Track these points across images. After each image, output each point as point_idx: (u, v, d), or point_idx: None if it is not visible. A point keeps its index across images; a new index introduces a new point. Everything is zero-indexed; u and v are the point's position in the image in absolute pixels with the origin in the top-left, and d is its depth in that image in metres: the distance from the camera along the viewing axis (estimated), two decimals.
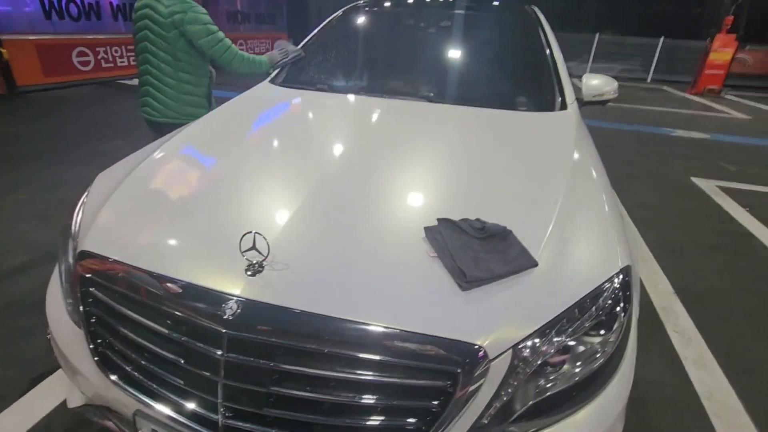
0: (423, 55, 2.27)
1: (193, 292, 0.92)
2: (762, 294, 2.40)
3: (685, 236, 3.06)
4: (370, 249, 1.01)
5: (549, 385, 0.90)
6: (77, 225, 1.21)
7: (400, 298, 0.89)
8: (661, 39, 12.63)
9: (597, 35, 13.05)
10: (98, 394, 1.09)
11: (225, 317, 0.86)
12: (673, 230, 3.13)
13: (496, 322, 0.86)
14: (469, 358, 0.81)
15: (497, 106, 1.84)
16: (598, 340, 0.95)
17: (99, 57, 7.00)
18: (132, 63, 7.75)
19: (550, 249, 1.01)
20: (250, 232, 0.93)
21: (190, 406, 0.93)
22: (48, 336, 1.28)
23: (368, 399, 0.85)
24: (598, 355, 0.94)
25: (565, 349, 0.91)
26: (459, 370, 0.81)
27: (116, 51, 7.28)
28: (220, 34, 2.18)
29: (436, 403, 0.83)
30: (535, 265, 0.95)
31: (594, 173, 1.41)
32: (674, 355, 1.90)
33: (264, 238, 0.92)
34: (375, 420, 0.86)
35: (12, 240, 2.57)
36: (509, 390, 0.87)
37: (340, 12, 2.64)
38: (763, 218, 3.38)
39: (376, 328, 0.83)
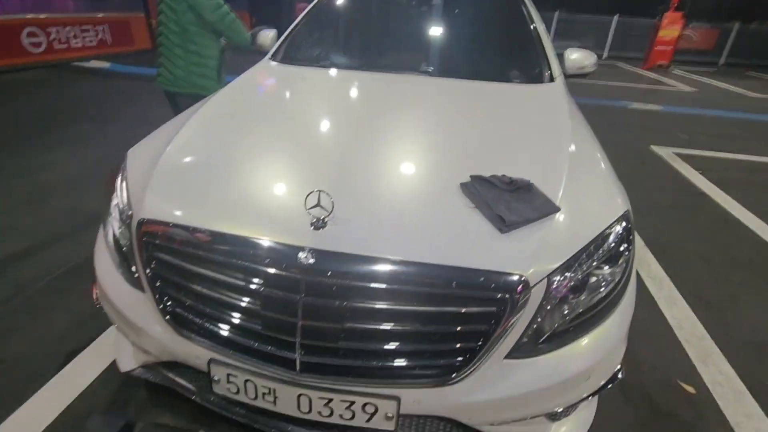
0: (420, 32, 2.38)
1: (266, 247, 1.02)
2: (715, 243, 2.75)
3: (650, 197, 3.38)
4: (416, 201, 1.15)
5: (572, 308, 1.08)
6: (125, 198, 1.27)
7: (452, 241, 1.04)
8: (616, 17, 13.19)
9: (556, 14, 13.45)
10: (167, 351, 1.18)
11: (301, 265, 0.98)
12: (639, 193, 3.44)
13: (533, 257, 1.02)
14: (515, 286, 0.98)
15: (493, 79, 2.00)
16: (608, 271, 1.14)
17: (51, 38, 6.56)
18: (87, 44, 7.33)
19: (566, 198, 1.18)
20: (314, 191, 1.04)
21: (268, 348, 1.05)
22: (98, 306, 1.34)
23: (431, 327, 1.00)
24: (609, 284, 1.13)
25: (584, 279, 1.09)
26: (508, 296, 0.97)
27: (69, 31, 6.83)
28: (227, 8, 2.28)
29: (488, 326, 0.99)
30: (558, 210, 1.12)
31: (588, 135, 1.60)
32: (649, 297, 2.18)
33: (328, 195, 1.03)
34: (436, 345, 1.01)
35: (5, 226, 2.51)
36: (543, 313, 1.04)
37: None
38: (714, 180, 3.78)
39: (437, 266, 0.98)
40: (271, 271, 1.01)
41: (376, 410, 1.04)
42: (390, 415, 1.04)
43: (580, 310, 1.09)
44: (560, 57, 2.28)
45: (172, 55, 2.35)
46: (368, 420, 1.06)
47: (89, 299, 1.94)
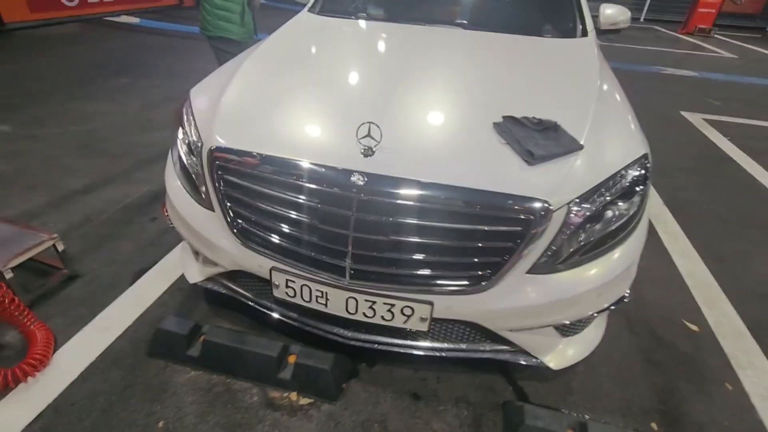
0: None
1: (323, 170, 1.18)
2: (733, 204, 2.81)
3: (674, 160, 3.41)
4: (455, 135, 1.30)
5: (588, 235, 1.23)
6: (194, 131, 1.43)
7: (485, 169, 1.18)
8: None
9: None
10: (234, 261, 1.38)
11: (354, 186, 1.14)
12: (663, 156, 3.48)
13: (556, 187, 1.16)
14: (539, 210, 1.12)
15: (526, 33, 2.07)
16: (623, 206, 1.26)
17: None
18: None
19: (590, 138, 1.29)
20: (365, 122, 1.19)
21: (323, 257, 1.23)
22: (171, 226, 1.55)
23: (464, 242, 1.17)
24: (622, 218, 1.26)
25: (601, 210, 1.23)
26: (532, 218, 1.12)
27: None
28: None
29: (514, 244, 1.15)
30: (582, 148, 1.24)
31: (615, 87, 1.68)
32: (663, 249, 2.29)
33: (378, 127, 1.18)
34: (469, 258, 1.18)
35: (62, 167, 2.75)
36: (562, 236, 1.19)
37: None
38: (743, 146, 3.76)
39: (473, 190, 1.13)
40: (328, 190, 1.17)
41: (413, 313, 1.23)
42: (424, 317, 1.23)
43: (596, 238, 1.23)
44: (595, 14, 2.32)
45: (203, 3, 2.72)
46: (405, 321, 1.25)
47: (149, 228, 2.19)
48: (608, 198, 1.23)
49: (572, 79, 1.66)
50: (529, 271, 1.20)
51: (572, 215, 1.18)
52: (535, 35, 2.08)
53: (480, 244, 1.16)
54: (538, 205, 1.12)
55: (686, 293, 1.99)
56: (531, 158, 1.19)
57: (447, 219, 1.15)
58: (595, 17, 2.38)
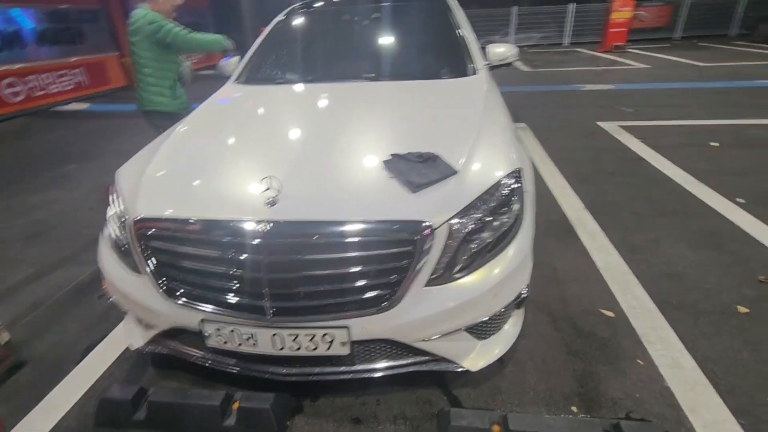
0: (361, 44, 2.74)
1: (233, 224, 1.33)
2: (645, 199, 3.11)
3: (592, 167, 3.75)
4: (348, 177, 1.48)
5: (476, 244, 1.41)
6: (120, 206, 1.57)
7: (375, 203, 1.36)
8: (573, 5, 13.80)
9: (515, 8, 13.99)
10: (167, 319, 1.48)
11: (261, 233, 1.29)
12: (583, 164, 3.82)
13: (436, 208, 1.35)
14: (423, 229, 1.30)
15: (424, 78, 2.36)
16: (503, 215, 1.46)
17: (30, 86, 6.84)
18: (64, 89, 7.62)
19: (467, 164, 1.51)
20: (265, 177, 1.36)
21: (245, 301, 1.36)
22: (109, 299, 1.64)
23: (365, 267, 1.32)
24: (504, 225, 1.46)
25: (482, 222, 1.42)
26: (417, 238, 1.30)
27: (47, 78, 7.13)
28: (170, 25, 2.72)
29: (407, 262, 1.31)
30: (455, 173, 1.45)
31: (500, 115, 1.94)
32: (583, 247, 2.52)
33: (277, 179, 1.35)
34: (370, 281, 1.33)
35: (8, 260, 2.78)
36: (450, 249, 1.36)
37: (282, 15, 3.04)
38: (653, 145, 4.16)
39: (364, 221, 1.30)
40: (240, 241, 1.32)
41: (333, 339, 1.36)
42: (344, 341, 1.36)
43: (483, 245, 1.41)
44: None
45: (138, 80, 2.92)
46: (328, 348, 1.37)
47: (97, 306, 2.25)
48: (486, 210, 1.42)
49: (458, 114, 1.91)
50: (428, 284, 1.36)
51: (454, 230, 1.36)
52: (434, 78, 2.37)
53: (378, 268, 1.32)
54: (421, 225, 1.30)
55: (603, 285, 2.19)
56: (412, 187, 1.38)
57: (344, 249, 1.31)
58: None
